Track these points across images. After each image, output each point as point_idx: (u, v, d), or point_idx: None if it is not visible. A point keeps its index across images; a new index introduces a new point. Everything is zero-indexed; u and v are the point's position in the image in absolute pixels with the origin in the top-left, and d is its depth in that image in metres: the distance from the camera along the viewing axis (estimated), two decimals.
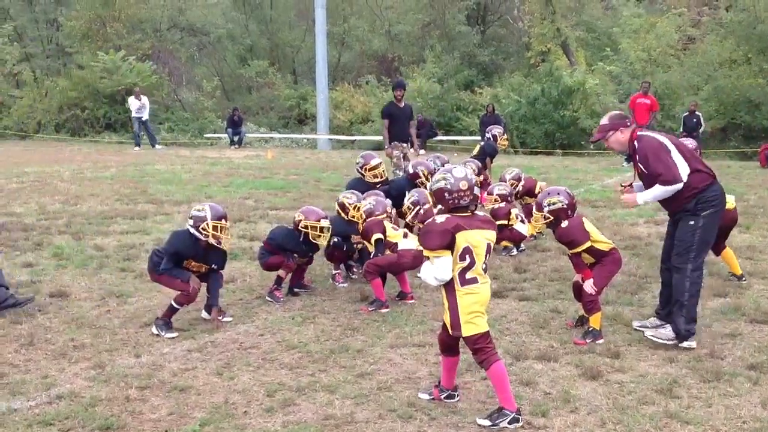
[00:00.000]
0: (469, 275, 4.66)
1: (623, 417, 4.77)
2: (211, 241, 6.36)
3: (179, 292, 6.41)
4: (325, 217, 7.55)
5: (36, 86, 34.51)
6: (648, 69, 27.58)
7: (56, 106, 32.46)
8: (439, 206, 4.80)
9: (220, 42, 38.45)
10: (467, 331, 4.69)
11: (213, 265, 6.62)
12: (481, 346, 4.71)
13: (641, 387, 5.23)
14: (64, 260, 8.84)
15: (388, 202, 7.94)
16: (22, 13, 37.51)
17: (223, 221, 6.45)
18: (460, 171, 4.79)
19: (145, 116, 25.43)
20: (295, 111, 35.21)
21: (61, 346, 6.02)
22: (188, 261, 6.50)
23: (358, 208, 7.78)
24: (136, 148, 24.87)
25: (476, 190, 4.75)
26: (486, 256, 4.71)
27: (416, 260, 7.22)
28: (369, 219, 7.56)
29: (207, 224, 6.34)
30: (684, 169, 5.92)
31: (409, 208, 8.37)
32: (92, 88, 31.41)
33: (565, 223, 6.34)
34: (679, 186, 5.90)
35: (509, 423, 4.63)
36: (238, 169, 18.83)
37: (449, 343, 4.95)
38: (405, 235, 7.46)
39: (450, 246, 4.60)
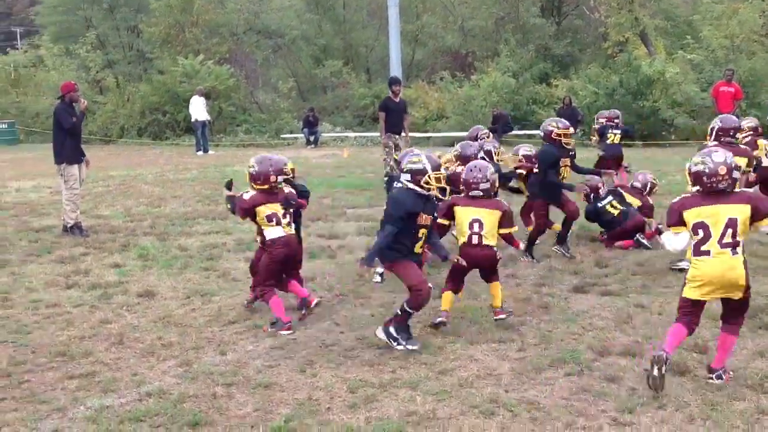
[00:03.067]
0: (703, 248, 5.00)
1: (713, 413, 4.65)
2: (436, 193, 5.99)
3: (415, 293, 5.94)
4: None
5: (119, 92, 35.49)
6: (731, 56, 26.68)
7: (138, 111, 33.33)
8: (696, 187, 5.05)
9: (294, 43, 38.80)
10: (684, 293, 5.17)
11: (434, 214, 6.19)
12: (683, 309, 5.19)
13: (731, 382, 5.09)
14: (149, 261, 9.09)
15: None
16: (103, 21, 38.63)
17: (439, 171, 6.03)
18: (719, 155, 4.96)
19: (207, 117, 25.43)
20: (370, 109, 35.23)
21: (150, 344, 6.19)
22: (419, 216, 5.95)
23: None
24: (212, 152, 25.12)
25: (735, 174, 4.98)
26: (728, 230, 4.94)
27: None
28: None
29: (430, 177, 5.88)
30: None
31: (451, 160, 8.69)
32: (172, 93, 32.11)
33: None
34: None
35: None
36: (315, 168, 19.02)
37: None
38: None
39: (681, 223, 5.07)
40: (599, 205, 9.57)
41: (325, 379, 5.36)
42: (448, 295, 6.56)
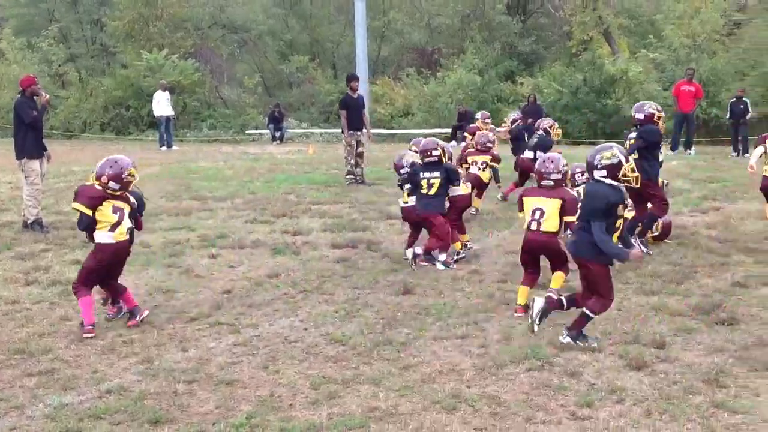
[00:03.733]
0: None
1: (669, 407, 4.73)
2: (633, 184, 5.97)
3: (606, 300, 5.86)
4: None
5: (81, 86, 35.05)
6: (692, 55, 27.11)
7: (101, 106, 32.94)
8: None
9: (260, 38, 38.66)
10: None
11: None
12: None
13: (687, 377, 5.18)
14: None
15: None
16: (66, 14, 38.11)
17: None
18: None
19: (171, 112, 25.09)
20: (336, 106, 35.29)
21: (110, 341, 6.14)
22: (619, 207, 5.86)
23: None
24: (175, 147, 24.82)
25: None
26: None
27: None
28: None
29: (626, 168, 5.84)
30: None
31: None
32: (136, 87, 31.80)
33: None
34: None
35: None
36: (281, 164, 18.95)
37: None
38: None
39: None
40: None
41: (288, 376, 5.36)
42: (523, 289, 6.82)
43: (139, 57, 32.14)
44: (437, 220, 8.37)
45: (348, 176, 14.75)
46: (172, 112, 25.25)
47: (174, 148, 24.56)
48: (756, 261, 8.11)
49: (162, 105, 24.66)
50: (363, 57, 28.60)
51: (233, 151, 23.86)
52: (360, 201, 12.54)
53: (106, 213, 6.38)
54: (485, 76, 30.61)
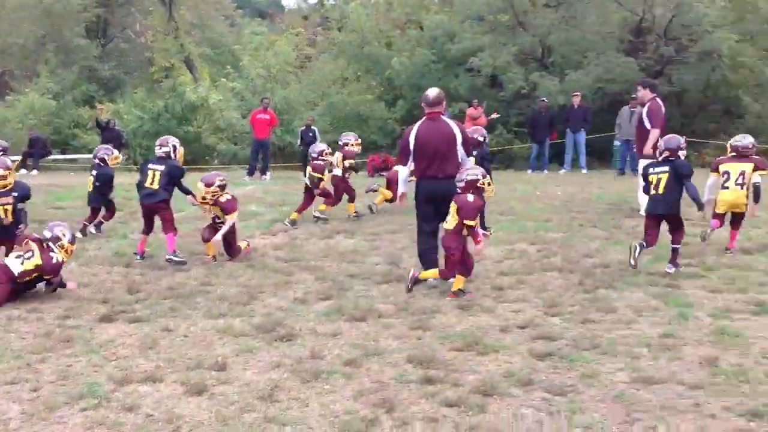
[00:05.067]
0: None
1: (224, 428, 4.78)
2: None
3: None
4: None
5: None
6: (268, 85, 28.55)
7: None
8: None
9: None
10: None
11: None
12: None
13: (244, 396, 5.28)
14: None
15: None
16: None
17: None
18: None
19: None
20: None
21: None
22: None
23: None
24: None
25: None
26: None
27: None
28: None
29: None
30: None
31: None
32: None
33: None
34: None
35: None
36: None
37: None
38: None
39: None
40: None
41: None
42: None
43: None
44: None
45: None
46: None
47: None
48: (316, 278, 8.64)
49: None
50: None
51: None
52: None
53: None
54: (61, 101, 29.13)
